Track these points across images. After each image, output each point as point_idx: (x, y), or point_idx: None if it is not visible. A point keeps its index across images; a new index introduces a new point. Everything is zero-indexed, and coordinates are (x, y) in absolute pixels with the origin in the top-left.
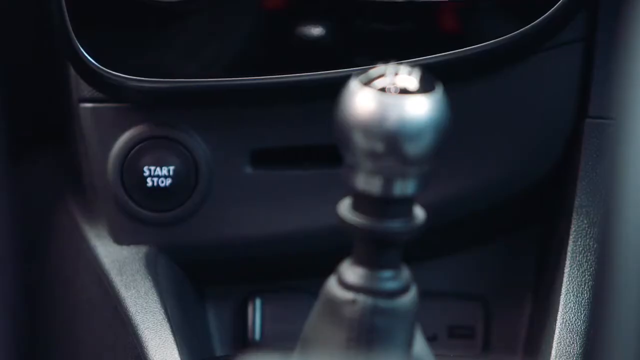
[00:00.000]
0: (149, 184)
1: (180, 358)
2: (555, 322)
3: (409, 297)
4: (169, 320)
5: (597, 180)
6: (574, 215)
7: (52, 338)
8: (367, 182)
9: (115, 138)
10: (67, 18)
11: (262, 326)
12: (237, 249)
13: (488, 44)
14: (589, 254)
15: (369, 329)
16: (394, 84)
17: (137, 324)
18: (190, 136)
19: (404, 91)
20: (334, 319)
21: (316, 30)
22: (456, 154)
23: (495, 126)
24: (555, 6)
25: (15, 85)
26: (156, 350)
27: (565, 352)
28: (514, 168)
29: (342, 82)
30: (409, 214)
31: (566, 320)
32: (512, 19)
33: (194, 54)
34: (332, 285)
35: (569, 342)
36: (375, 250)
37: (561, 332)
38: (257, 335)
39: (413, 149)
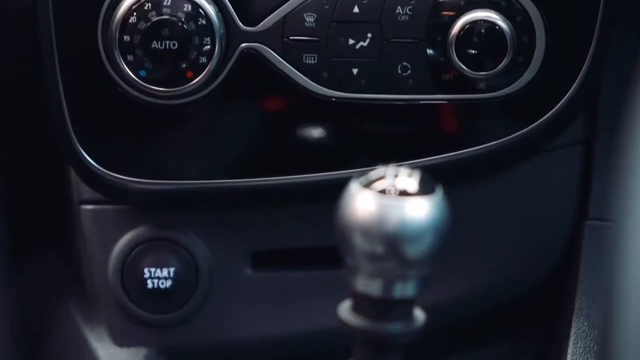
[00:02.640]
0: (149, 285)
1: None
2: None
3: None
4: None
5: (598, 283)
6: (574, 317)
7: None
8: (367, 284)
9: (116, 240)
10: (68, 120)
11: None
12: (237, 351)
13: (488, 145)
14: (589, 356)
15: None
16: (394, 186)
17: None
18: (190, 238)
19: (404, 193)
20: None
21: (316, 132)
22: (456, 256)
23: (496, 228)
24: (555, 108)
25: (16, 187)
26: None
27: None
28: (514, 270)
29: (342, 184)
30: (409, 316)
31: None
32: (512, 121)
33: (194, 156)
34: None
35: None
36: (375, 353)
37: None
38: None
39: (413, 251)
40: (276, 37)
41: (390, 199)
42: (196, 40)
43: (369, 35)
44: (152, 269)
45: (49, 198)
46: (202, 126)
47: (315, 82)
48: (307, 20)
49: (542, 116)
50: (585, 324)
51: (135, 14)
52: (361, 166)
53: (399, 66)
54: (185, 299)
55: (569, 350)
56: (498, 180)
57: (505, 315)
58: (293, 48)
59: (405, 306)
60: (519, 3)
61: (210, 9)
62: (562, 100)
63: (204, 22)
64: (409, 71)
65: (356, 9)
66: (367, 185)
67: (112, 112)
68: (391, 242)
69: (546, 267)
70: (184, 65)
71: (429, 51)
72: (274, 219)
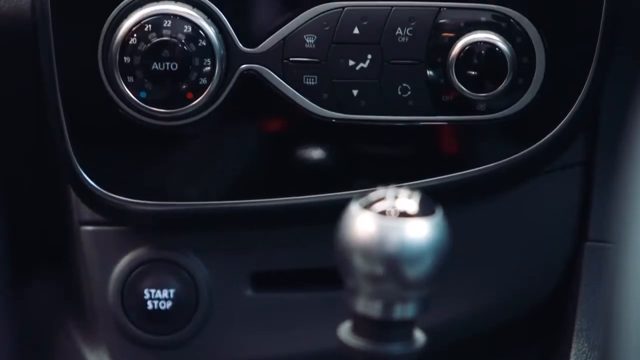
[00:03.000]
0: (150, 306)
1: None
2: None
3: None
4: None
5: (598, 304)
6: (574, 339)
7: None
8: (367, 306)
9: (116, 261)
10: (69, 141)
11: None
12: None
13: (488, 167)
14: None
15: None
16: (394, 207)
17: None
18: (190, 259)
19: (404, 214)
20: None
21: (316, 154)
22: (456, 276)
23: (496, 249)
24: (554, 130)
25: (16, 207)
26: None
27: None
28: (514, 290)
29: (342, 205)
30: (410, 337)
31: None
32: (511, 142)
33: (194, 177)
34: None
35: None
36: None
37: None
38: None
39: (413, 272)
40: (276, 58)
41: (390, 220)
42: (196, 62)
43: (369, 56)
44: (152, 290)
45: (49, 219)
46: (203, 147)
47: (316, 104)
48: (307, 41)
49: (542, 138)
50: (586, 345)
51: (135, 35)
52: (361, 187)
53: (399, 87)
54: (186, 320)
55: None
56: (498, 201)
57: (505, 336)
58: (293, 69)
59: (405, 327)
60: (519, 25)
61: (211, 31)
62: (562, 122)
63: (204, 44)
64: (409, 92)
65: (356, 30)
66: (367, 206)
67: (112, 133)
68: (391, 263)
69: (546, 288)
70: (184, 87)
71: (429, 72)
72: (274, 240)
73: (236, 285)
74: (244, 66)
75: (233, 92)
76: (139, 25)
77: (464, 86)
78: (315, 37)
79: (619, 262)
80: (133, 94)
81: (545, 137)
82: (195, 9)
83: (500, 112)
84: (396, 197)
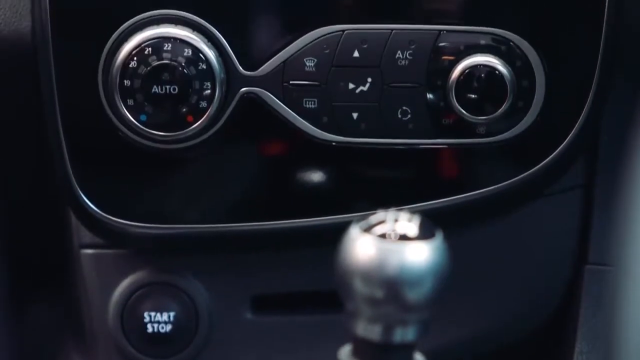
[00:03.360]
0: (150, 330)
1: None
2: None
3: None
4: None
5: (598, 327)
6: None
7: None
8: (367, 329)
9: (116, 284)
10: (69, 164)
11: None
12: None
13: (488, 190)
14: None
15: None
16: (394, 230)
17: None
18: (190, 282)
19: (404, 238)
20: None
21: (316, 177)
22: (456, 299)
23: (496, 272)
24: (554, 153)
25: (17, 230)
26: None
27: None
28: (514, 313)
29: (343, 228)
30: None
31: None
32: (511, 165)
33: (194, 200)
34: None
35: None
36: None
37: None
38: None
39: (413, 295)
40: (276, 81)
41: (390, 244)
42: (196, 85)
43: (369, 79)
44: (152, 313)
45: (49, 241)
46: (203, 170)
47: (316, 127)
48: (307, 64)
49: (542, 161)
50: None
51: (135, 58)
52: (361, 210)
53: (399, 110)
54: (186, 344)
55: None
56: (498, 224)
57: (506, 359)
58: (293, 92)
59: (405, 351)
60: (519, 48)
61: (211, 54)
62: (562, 145)
63: (204, 67)
64: (409, 115)
65: (356, 54)
66: (367, 229)
67: (113, 156)
68: (391, 286)
69: (546, 311)
70: (184, 110)
71: (429, 96)
72: (274, 263)
73: (236, 308)
74: (244, 89)
75: (233, 115)
76: (139, 48)
77: (464, 109)
78: (316, 60)
79: (619, 285)
80: (133, 117)
81: (545, 160)
82: (195, 32)
83: (500, 135)
84: (396, 220)
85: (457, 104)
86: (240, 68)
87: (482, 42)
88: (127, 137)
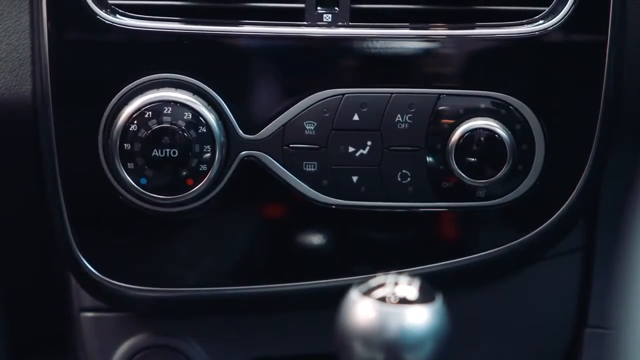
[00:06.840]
0: None
1: None
2: None
3: None
4: None
5: None
6: None
7: None
8: None
9: (116, 347)
10: (69, 228)
11: None
12: None
13: (487, 253)
14: None
15: None
16: (394, 293)
17: None
18: (190, 345)
19: (403, 301)
20: None
21: (316, 240)
22: None
23: (495, 334)
24: (554, 216)
25: (17, 294)
26: None
27: None
28: None
29: (343, 291)
30: None
31: None
32: (511, 229)
33: (195, 263)
34: None
35: None
36: None
37: None
38: None
39: (413, 358)
40: (276, 144)
41: (390, 307)
42: (197, 148)
43: (369, 143)
44: None
45: (49, 305)
46: (203, 233)
47: (315, 190)
48: (307, 128)
49: (542, 224)
50: None
51: (135, 122)
52: (361, 273)
53: (399, 174)
54: None
55: None
56: (497, 287)
57: None
58: (293, 156)
59: None
60: (518, 112)
61: (211, 117)
62: (562, 209)
63: (205, 130)
64: (409, 179)
65: (356, 117)
66: (367, 292)
67: (113, 220)
68: (391, 350)
69: None
70: (184, 173)
71: (429, 159)
72: (274, 325)
73: None
74: (244, 152)
75: (233, 178)
76: (140, 112)
77: (463, 172)
78: (315, 123)
79: (619, 348)
80: (133, 181)
81: (545, 224)
82: (195, 96)
83: (500, 199)
84: (396, 284)
85: (456, 167)
86: (240, 131)
87: (482, 105)
88: (127, 200)
